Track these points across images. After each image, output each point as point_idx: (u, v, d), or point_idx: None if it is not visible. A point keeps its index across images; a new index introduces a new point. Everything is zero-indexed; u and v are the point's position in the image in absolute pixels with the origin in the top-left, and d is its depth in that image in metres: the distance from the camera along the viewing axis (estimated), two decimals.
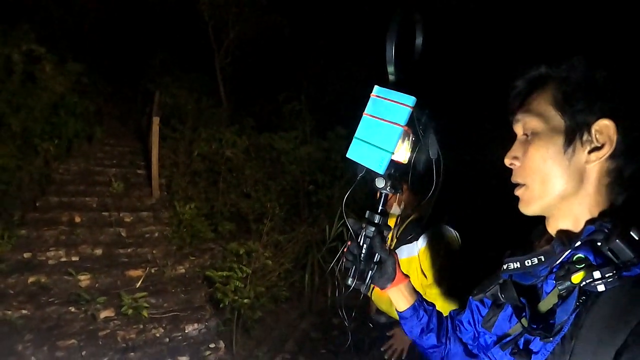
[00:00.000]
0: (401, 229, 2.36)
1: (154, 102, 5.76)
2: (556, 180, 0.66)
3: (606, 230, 0.58)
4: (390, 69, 0.88)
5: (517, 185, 0.72)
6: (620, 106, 0.62)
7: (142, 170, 5.93)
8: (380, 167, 0.85)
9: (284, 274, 4.89)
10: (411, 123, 0.84)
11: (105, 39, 9.39)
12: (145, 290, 3.78)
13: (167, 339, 3.37)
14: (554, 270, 0.64)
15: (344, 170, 6.42)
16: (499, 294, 0.74)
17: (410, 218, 2.37)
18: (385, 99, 0.87)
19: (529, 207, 0.70)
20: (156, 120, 5.10)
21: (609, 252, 0.57)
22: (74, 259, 4.09)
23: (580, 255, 0.59)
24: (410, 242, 2.26)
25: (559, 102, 0.66)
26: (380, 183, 0.90)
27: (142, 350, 3.17)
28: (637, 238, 0.56)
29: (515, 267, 0.70)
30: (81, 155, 5.95)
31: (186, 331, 3.50)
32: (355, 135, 0.89)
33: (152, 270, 4.10)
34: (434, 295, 2.26)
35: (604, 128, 0.62)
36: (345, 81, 7.37)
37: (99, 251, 4.18)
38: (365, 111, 0.90)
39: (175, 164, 5.76)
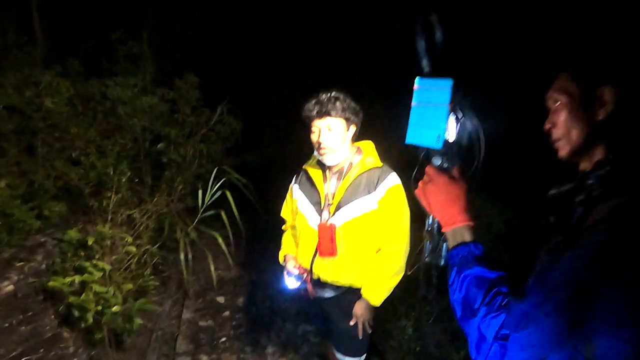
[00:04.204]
0: (351, 182, 2.11)
1: None
2: (578, 134, 0.94)
3: (599, 169, 0.89)
4: (424, 62, 1.08)
5: (555, 140, 1.01)
6: (618, 76, 0.88)
7: None
8: (437, 144, 1.05)
9: (144, 258, 4.11)
10: (450, 104, 1.04)
11: None
12: None
13: None
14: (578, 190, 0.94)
15: (194, 125, 5.59)
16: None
17: (367, 168, 2.12)
18: (426, 87, 1.07)
19: (563, 155, 0.99)
20: None
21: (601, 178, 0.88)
22: None
23: (590, 181, 0.89)
24: (363, 195, 2.07)
25: (576, 77, 0.94)
26: (437, 161, 1.12)
27: None
28: (624, 167, 0.85)
29: (554, 192, 1.02)
30: None
31: None
32: (410, 123, 1.08)
33: None
34: (390, 252, 2.14)
35: (607, 91, 0.88)
36: (196, 23, 6.23)
37: None
38: (413, 101, 1.08)
39: None
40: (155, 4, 6.03)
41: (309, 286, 2.25)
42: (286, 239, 2.46)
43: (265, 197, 4.87)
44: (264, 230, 5.20)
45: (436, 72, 1.07)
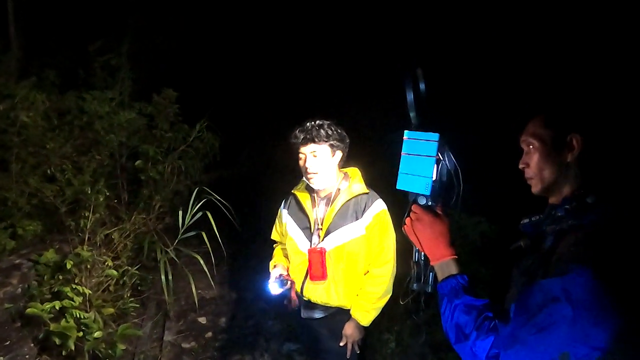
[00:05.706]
0: (339, 208, 2.15)
1: None
2: (549, 174, 1.08)
3: (567, 204, 1.04)
4: (412, 114, 1.19)
5: (529, 179, 1.15)
6: (585, 126, 1.03)
7: None
8: (426, 191, 1.17)
9: (124, 279, 3.99)
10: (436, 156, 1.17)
11: None
12: None
13: None
14: (547, 221, 1.10)
15: (172, 141, 5.48)
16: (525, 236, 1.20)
17: (354, 195, 2.16)
18: (415, 139, 1.18)
19: (536, 191, 1.13)
20: None
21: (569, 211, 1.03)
22: None
23: (559, 213, 1.05)
24: (352, 221, 2.12)
25: (548, 124, 1.08)
26: (422, 200, 1.21)
27: None
28: (589, 202, 1.00)
29: (526, 221, 1.18)
30: None
31: None
32: (400, 171, 1.20)
33: None
34: (378, 274, 2.21)
35: (575, 138, 1.03)
36: (176, 37, 6.17)
37: None
38: (402, 151, 1.20)
39: None
40: (135, 16, 5.94)
41: (292, 294, 2.28)
42: (277, 252, 2.49)
43: (242, 212, 4.79)
44: (243, 247, 5.14)
45: (422, 117, 1.21)
